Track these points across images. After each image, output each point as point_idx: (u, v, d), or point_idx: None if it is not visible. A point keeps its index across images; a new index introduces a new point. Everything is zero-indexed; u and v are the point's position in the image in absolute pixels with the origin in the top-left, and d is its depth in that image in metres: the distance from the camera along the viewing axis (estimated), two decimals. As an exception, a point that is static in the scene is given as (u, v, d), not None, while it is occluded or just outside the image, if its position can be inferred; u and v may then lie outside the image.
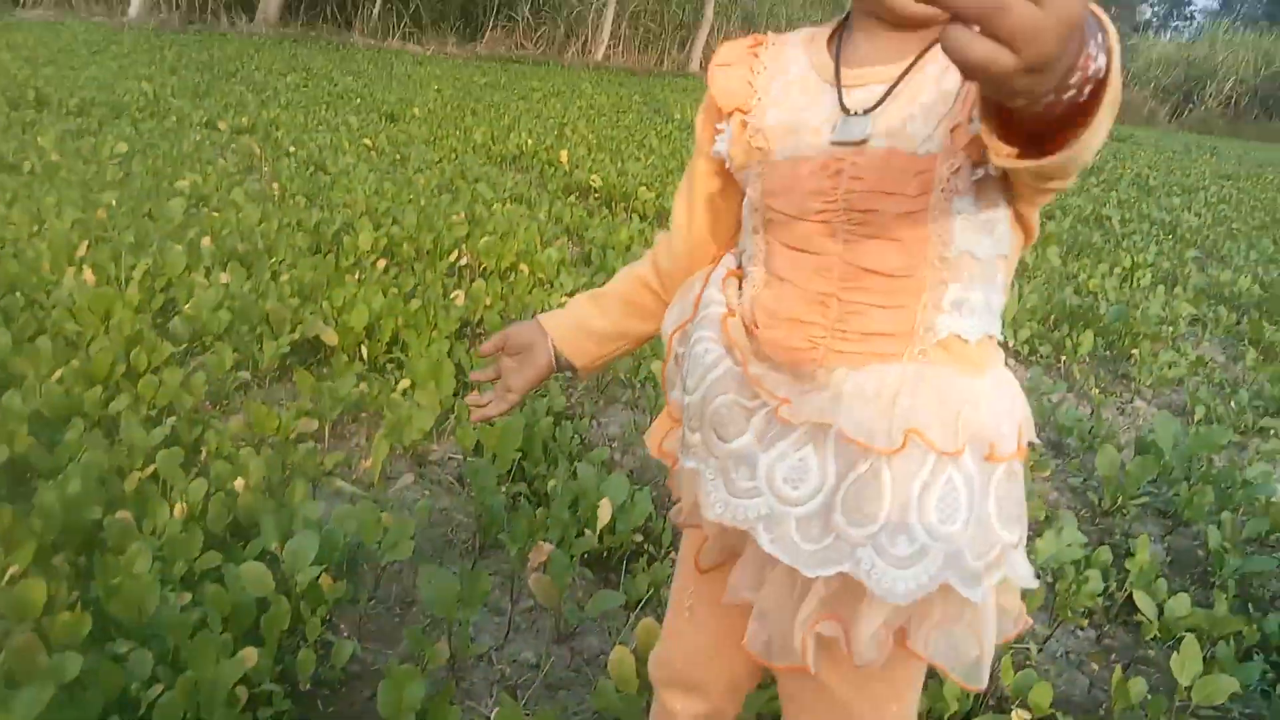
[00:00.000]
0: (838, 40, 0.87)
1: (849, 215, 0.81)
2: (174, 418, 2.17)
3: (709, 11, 20.23)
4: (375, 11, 17.08)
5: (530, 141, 6.77)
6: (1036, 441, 0.86)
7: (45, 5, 14.61)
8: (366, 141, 6.07)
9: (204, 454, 2.07)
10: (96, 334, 2.50)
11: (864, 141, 0.80)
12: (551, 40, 19.51)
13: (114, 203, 3.62)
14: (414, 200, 4.38)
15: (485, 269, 3.59)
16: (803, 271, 0.85)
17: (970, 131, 0.74)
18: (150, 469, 1.92)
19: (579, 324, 1.08)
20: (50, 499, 1.64)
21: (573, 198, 5.41)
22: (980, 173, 0.78)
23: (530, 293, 3.34)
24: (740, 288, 0.93)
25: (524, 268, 3.62)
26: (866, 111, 0.81)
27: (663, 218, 5.07)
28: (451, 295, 3.15)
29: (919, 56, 0.80)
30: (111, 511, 1.74)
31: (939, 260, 0.81)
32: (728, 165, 0.92)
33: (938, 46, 0.73)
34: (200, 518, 1.78)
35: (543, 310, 3.19)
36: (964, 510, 0.78)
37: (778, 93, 0.89)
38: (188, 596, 1.56)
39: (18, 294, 2.74)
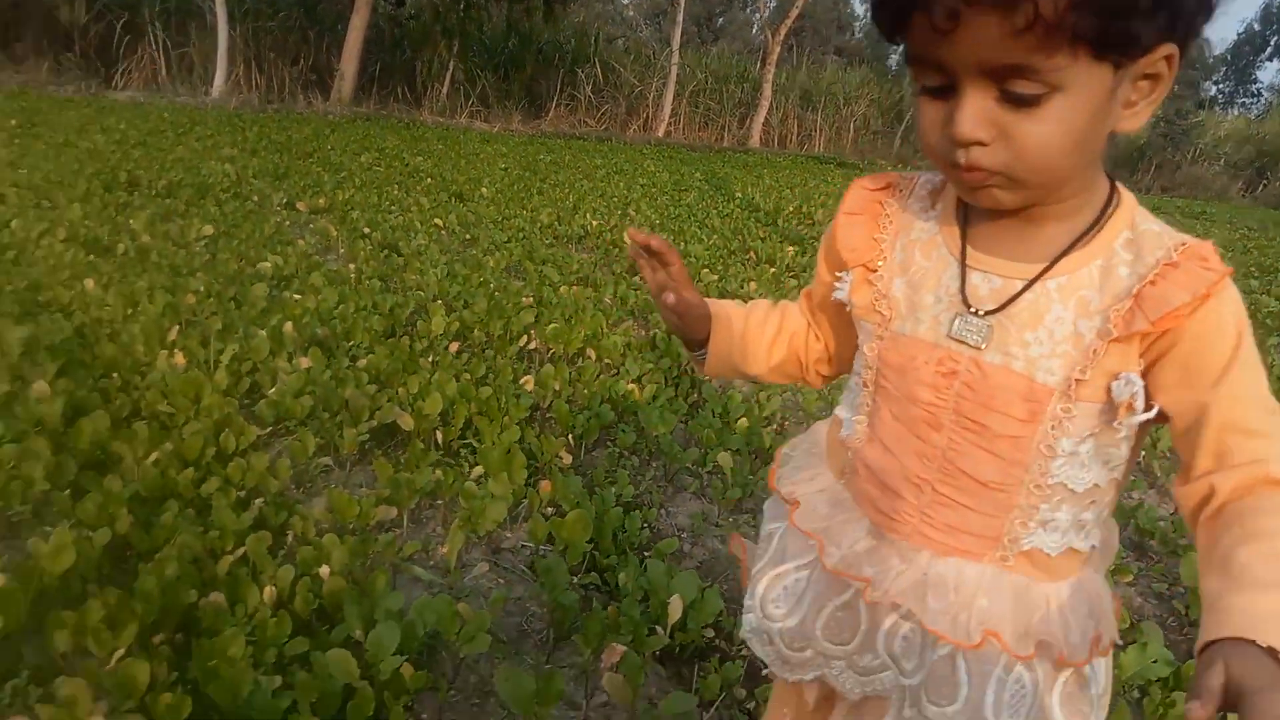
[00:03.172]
0: (964, 206, 0.87)
1: (957, 418, 0.83)
2: (260, 500, 2.27)
3: (767, 90, 20.62)
4: (444, 91, 17.74)
5: (595, 222, 6.94)
6: (1119, 643, 0.89)
7: (134, 86, 15.46)
8: (437, 221, 6.28)
9: (290, 538, 2.15)
10: (187, 416, 2.62)
11: (979, 348, 0.81)
12: (613, 117, 20.02)
13: (202, 287, 3.80)
14: (484, 284, 4.52)
15: (554, 354, 3.68)
16: (905, 448, 0.87)
17: (1118, 399, 0.77)
18: (240, 551, 2.00)
19: (728, 337, 1.07)
20: (150, 583, 1.72)
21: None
22: (1097, 425, 0.79)
23: (598, 378, 3.41)
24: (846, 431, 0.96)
25: (591, 353, 3.70)
26: (988, 313, 0.81)
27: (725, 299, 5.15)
28: (521, 381, 3.23)
29: (1048, 268, 0.80)
30: (205, 593, 1.82)
31: (1034, 486, 0.82)
32: (848, 309, 0.94)
33: (1069, 259, 0.79)
34: (288, 602, 1.85)
35: (612, 396, 3.27)
36: (1030, 707, 0.83)
37: (901, 255, 0.89)
38: (278, 680, 1.61)
39: (115, 375, 2.89)
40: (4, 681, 1.56)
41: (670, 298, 1.01)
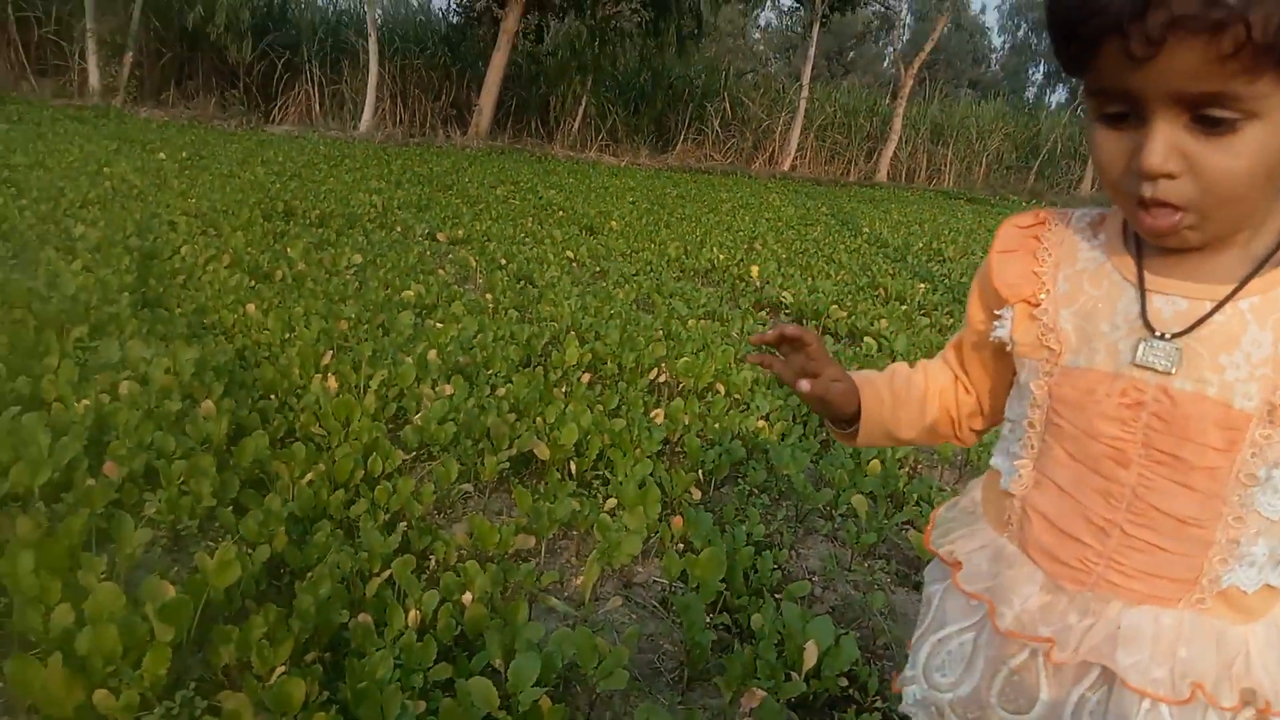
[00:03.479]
0: (1134, 233, 0.82)
1: (1147, 452, 0.78)
2: (404, 523, 2.35)
3: (897, 124, 20.33)
4: (576, 124, 18.20)
5: (721, 256, 6.97)
6: None
7: (290, 121, 16.47)
8: (569, 254, 6.43)
9: (433, 562, 2.22)
10: (338, 439, 2.74)
11: (1168, 373, 0.76)
12: (739, 151, 20.11)
13: (353, 314, 3.99)
14: (615, 316, 4.59)
15: (683, 388, 3.70)
16: (1086, 490, 0.82)
17: None
18: (386, 573, 2.07)
19: (879, 405, 1.04)
20: (307, 601, 1.80)
21: (764, 313, 5.50)
22: None
23: (727, 414, 3.41)
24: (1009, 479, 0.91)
25: (720, 387, 3.70)
26: (1175, 336, 0.76)
27: (856, 337, 5.07)
28: (651, 414, 3.26)
29: (1240, 286, 0.75)
30: (354, 613, 1.90)
31: (1233, 519, 0.78)
32: (1008, 349, 0.90)
33: (1260, 279, 0.75)
34: (431, 626, 1.91)
35: (741, 431, 3.26)
36: None
37: (1066, 285, 0.85)
38: (422, 705, 1.66)
39: (273, 397, 3.06)
40: (173, 691, 1.65)
41: (806, 385, 0.97)
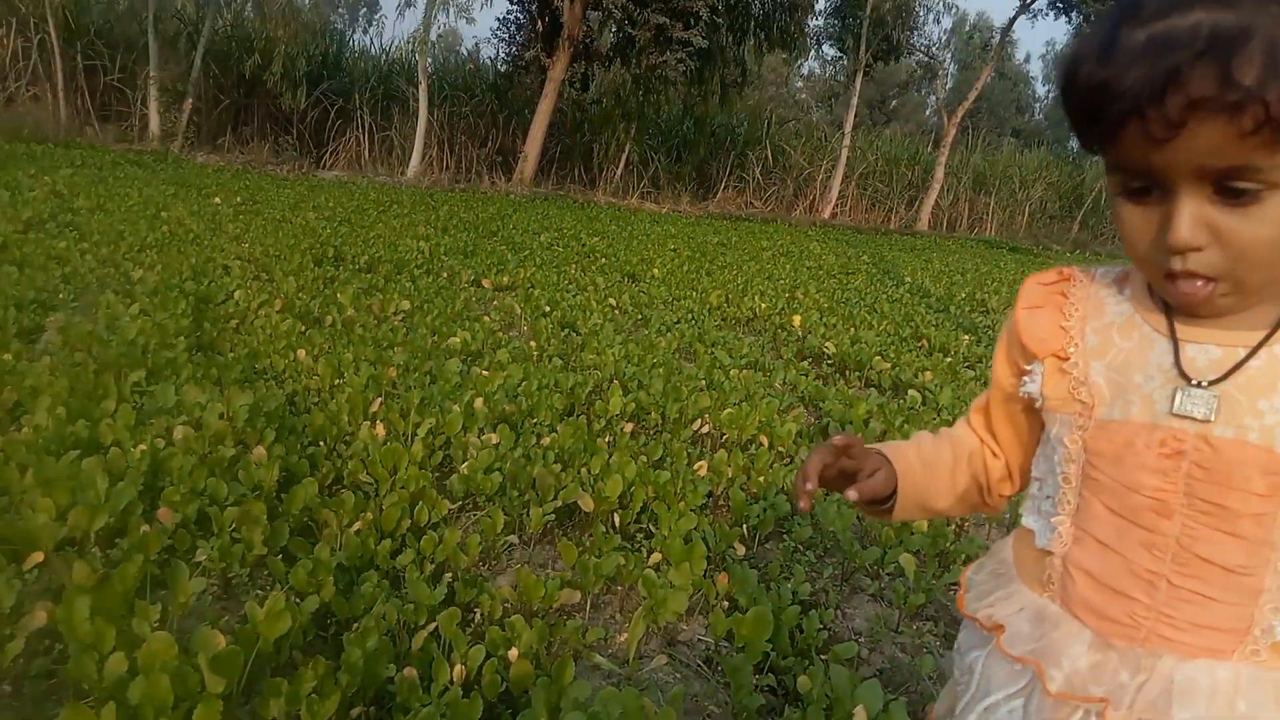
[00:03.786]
0: None
1: (1190, 501, 0.78)
2: (450, 575, 2.36)
3: (939, 173, 20.32)
4: (618, 173, 18.42)
5: (763, 305, 6.97)
6: None
7: (340, 167, 16.88)
8: (612, 301, 6.47)
9: (478, 616, 2.22)
10: (386, 487, 2.76)
11: (1208, 421, 0.76)
12: (780, 199, 20.20)
13: (401, 361, 4.04)
14: (658, 365, 4.60)
15: (727, 439, 3.69)
16: (1129, 543, 0.82)
17: None
18: (432, 626, 2.07)
19: (914, 477, 1.03)
20: (355, 654, 1.81)
21: (805, 363, 5.48)
22: None
23: (771, 467, 3.38)
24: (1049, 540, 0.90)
25: (764, 439, 3.68)
26: (1211, 384, 0.77)
27: (899, 389, 5.03)
28: (695, 466, 3.25)
29: (1274, 330, 0.76)
30: (400, 667, 1.90)
31: None
32: (1037, 405, 0.90)
33: None
34: (476, 682, 1.90)
35: (785, 485, 3.24)
36: None
37: (1095, 339, 0.85)
38: (467, 765, 1.65)
39: (322, 443, 3.10)
40: (222, 741, 1.66)
41: (854, 494, 0.96)
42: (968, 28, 38.40)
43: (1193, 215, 0.70)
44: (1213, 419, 0.76)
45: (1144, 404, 0.80)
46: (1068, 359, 0.86)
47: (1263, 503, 0.75)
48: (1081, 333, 0.86)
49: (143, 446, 2.69)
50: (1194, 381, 0.77)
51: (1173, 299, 0.78)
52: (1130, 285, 0.86)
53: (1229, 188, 0.69)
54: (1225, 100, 0.64)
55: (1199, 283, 0.73)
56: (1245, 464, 0.75)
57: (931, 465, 1.02)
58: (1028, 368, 0.90)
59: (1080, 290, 0.89)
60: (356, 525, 2.48)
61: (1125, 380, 0.82)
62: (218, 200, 9.53)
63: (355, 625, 2.03)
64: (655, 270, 8.32)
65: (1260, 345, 0.76)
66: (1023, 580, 0.94)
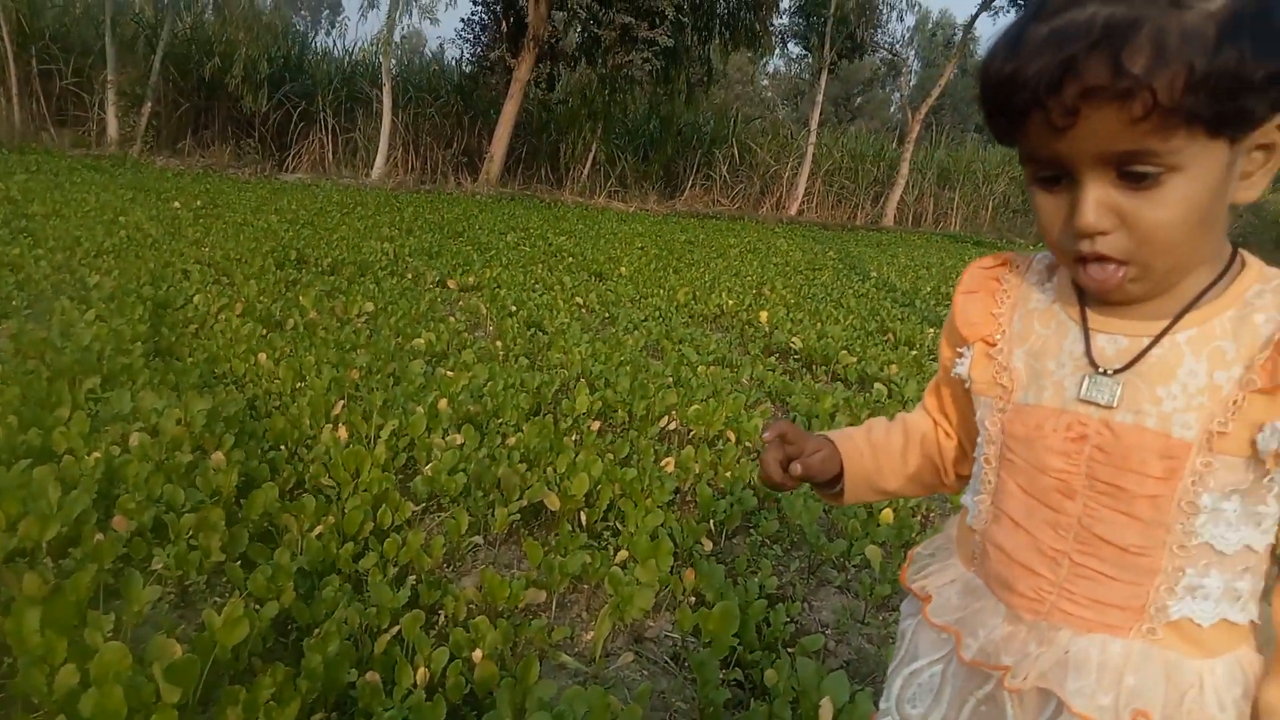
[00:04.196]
0: None
1: (1091, 483, 0.82)
2: (414, 577, 2.33)
3: (904, 169, 20.48)
4: (585, 171, 18.38)
5: (730, 301, 6.98)
6: None
7: (303, 169, 16.69)
8: (579, 300, 6.45)
9: (442, 618, 2.19)
10: (348, 490, 2.73)
11: (1111, 407, 0.80)
12: (747, 196, 20.25)
13: (364, 363, 4.00)
14: (625, 363, 4.58)
15: (694, 436, 3.68)
16: (1037, 522, 0.86)
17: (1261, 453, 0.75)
18: (395, 629, 2.05)
19: (860, 458, 1.07)
20: (316, 660, 1.78)
21: (773, 359, 5.49)
22: (1243, 479, 0.77)
23: (738, 462, 3.38)
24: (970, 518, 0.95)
25: (731, 435, 3.68)
26: (1116, 372, 0.80)
27: (865, 383, 5.05)
28: (663, 463, 3.24)
29: (1174, 321, 0.80)
30: (362, 672, 1.87)
31: (1178, 547, 0.80)
32: (967, 386, 0.94)
33: (1197, 312, 0.79)
34: (440, 685, 1.88)
35: (752, 480, 3.24)
36: None
37: (1020, 326, 0.90)
38: (430, 768, 1.63)
39: (283, 447, 3.05)
40: (179, 749, 1.62)
41: (799, 467, 1.01)
42: (930, 25, 38.74)
43: (1098, 200, 0.74)
44: (1115, 405, 0.80)
45: (1055, 389, 0.84)
46: (994, 344, 0.91)
47: (1158, 485, 0.78)
48: (1009, 319, 0.91)
49: (97, 454, 2.63)
50: (1100, 370, 0.81)
51: (1086, 285, 0.81)
52: (1058, 274, 0.90)
53: (1130, 172, 0.72)
54: (1117, 88, 0.68)
55: (1110, 267, 0.76)
56: (1142, 448, 0.78)
57: (881, 448, 1.07)
58: (961, 351, 0.95)
59: (1014, 277, 0.93)
60: (318, 529, 2.44)
61: (1040, 366, 0.86)
62: (177, 204, 9.38)
63: (316, 630, 2.00)
64: (623, 269, 8.30)
65: (1162, 334, 0.79)
66: (959, 556, 0.98)
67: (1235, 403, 0.76)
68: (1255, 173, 0.76)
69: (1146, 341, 0.80)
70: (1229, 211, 0.78)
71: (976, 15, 20.31)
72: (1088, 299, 0.85)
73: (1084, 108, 0.70)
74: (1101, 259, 0.77)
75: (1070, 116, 0.70)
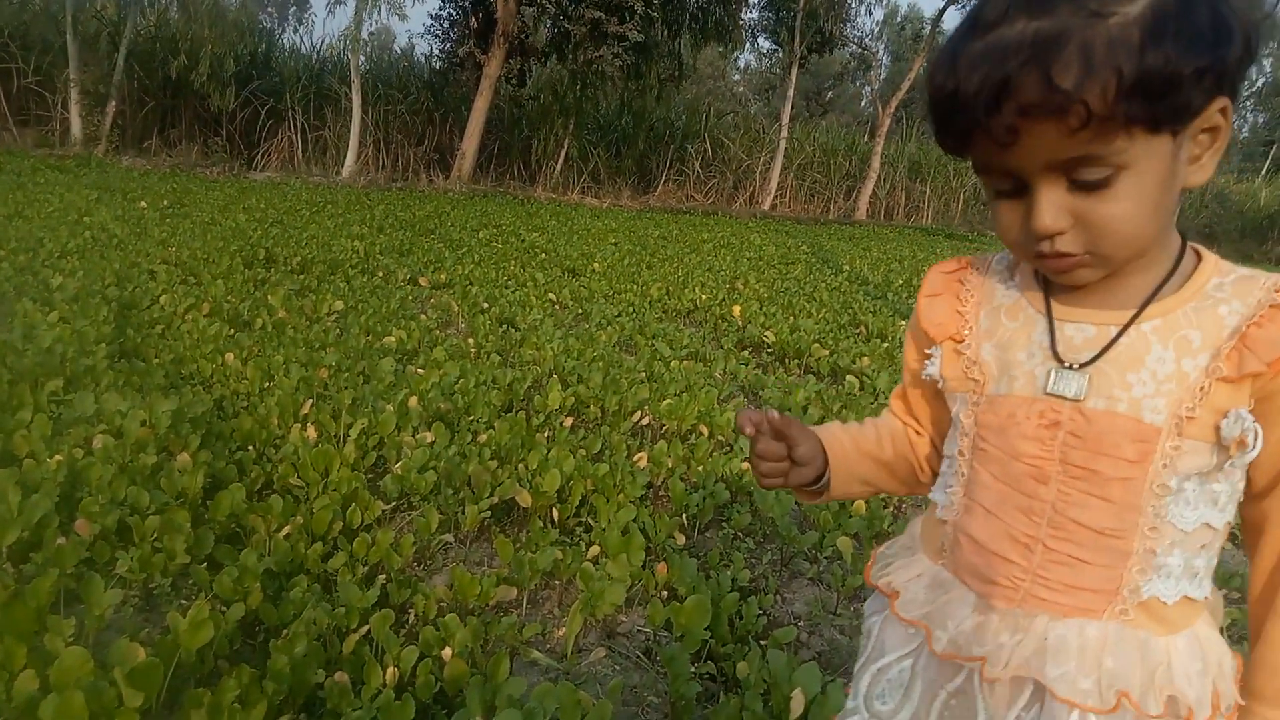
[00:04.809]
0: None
1: (1065, 468, 0.83)
2: (383, 576, 2.31)
3: (876, 162, 20.58)
4: (558, 167, 18.32)
5: (704, 296, 6.98)
6: (1241, 702, 0.84)
7: (272, 167, 16.51)
8: (552, 296, 6.43)
9: (412, 616, 2.18)
10: (317, 490, 2.70)
11: (1079, 399, 0.82)
12: (720, 191, 20.27)
13: (333, 362, 3.96)
14: (598, 359, 4.57)
15: (667, 430, 3.68)
16: (1009, 508, 0.87)
17: (1233, 442, 0.78)
18: (364, 629, 2.03)
19: (844, 455, 1.06)
20: (282, 661, 1.76)
21: (746, 353, 5.50)
22: (1207, 464, 0.80)
23: (710, 456, 3.38)
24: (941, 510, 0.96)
25: (704, 429, 3.68)
26: (1082, 366, 0.82)
27: (838, 376, 5.08)
28: (635, 458, 3.23)
29: (1139, 311, 0.82)
30: (331, 672, 1.85)
31: (1149, 529, 0.82)
32: (939, 386, 0.95)
33: (1160, 302, 0.81)
34: (410, 684, 1.86)
35: (725, 474, 3.24)
36: None
37: (987, 322, 0.91)
38: (400, 768, 1.62)
39: (250, 448, 3.02)
40: (143, 754, 1.60)
41: (794, 475, 1.00)
42: (899, 19, 38.88)
43: (1052, 204, 0.76)
44: (1083, 398, 0.82)
45: (1026, 380, 0.86)
46: (962, 341, 0.92)
47: (1131, 468, 0.80)
48: (975, 317, 0.92)
49: (59, 457, 2.59)
50: (1066, 364, 0.83)
51: (1047, 271, 0.84)
52: (1020, 271, 0.92)
53: (1079, 179, 0.75)
54: (1051, 103, 0.69)
55: (1068, 259, 0.79)
56: (1115, 432, 0.80)
57: (857, 436, 1.07)
58: (929, 352, 0.96)
59: (976, 277, 0.95)
60: (286, 530, 2.42)
61: (1010, 358, 0.87)
62: (144, 204, 9.25)
63: (284, 631, 1.98)
64: (596, 264, 8.28)
65: (1129, 324, 0.82)
66: (925, 551, 0.98)
67: (1202, 389, 0.78)
68: (1203, 155, 0.78)
69: (1114, 330, 0.81)
70: (1182, 197, 0.80)
71: (944, 9, 20.43)
72: (1052, 290, 0.87)
73: (1022, 125, 0.72)
74: (1061, 256, 0.79)
75: (1012, 134, 0.72)
